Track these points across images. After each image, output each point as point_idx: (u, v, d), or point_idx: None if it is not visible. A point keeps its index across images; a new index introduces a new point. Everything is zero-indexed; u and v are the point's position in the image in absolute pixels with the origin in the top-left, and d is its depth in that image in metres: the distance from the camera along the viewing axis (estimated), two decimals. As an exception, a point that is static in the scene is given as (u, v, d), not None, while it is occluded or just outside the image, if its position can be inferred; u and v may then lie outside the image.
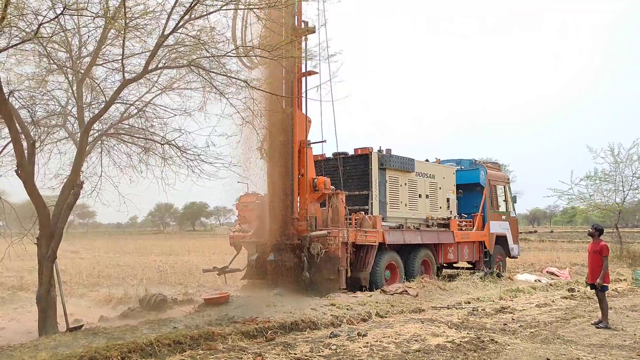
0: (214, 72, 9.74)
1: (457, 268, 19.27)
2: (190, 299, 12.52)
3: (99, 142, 10.37)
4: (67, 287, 17.11)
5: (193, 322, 9.01)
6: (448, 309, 11.64)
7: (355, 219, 13.47)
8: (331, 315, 10.17)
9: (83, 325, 8.59)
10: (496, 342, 8.57)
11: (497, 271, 15.90)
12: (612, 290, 14.43)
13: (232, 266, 14.49)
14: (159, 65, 9.17)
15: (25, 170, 7.94)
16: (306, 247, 12.48)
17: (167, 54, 9.31)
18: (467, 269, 19.03)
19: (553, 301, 12.79)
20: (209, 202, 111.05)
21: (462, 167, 18.39)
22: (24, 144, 8.19)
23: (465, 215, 17.70)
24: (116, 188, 10.79)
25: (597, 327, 9.86)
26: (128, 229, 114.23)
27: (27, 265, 20.54)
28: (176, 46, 9.21)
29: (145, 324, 8.79)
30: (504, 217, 19.16)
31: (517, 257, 20.62)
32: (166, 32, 8.56)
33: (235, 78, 10.00)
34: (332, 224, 13.12)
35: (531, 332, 9.38)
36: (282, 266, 12.76)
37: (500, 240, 18.74)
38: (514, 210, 20.27)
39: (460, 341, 8.56)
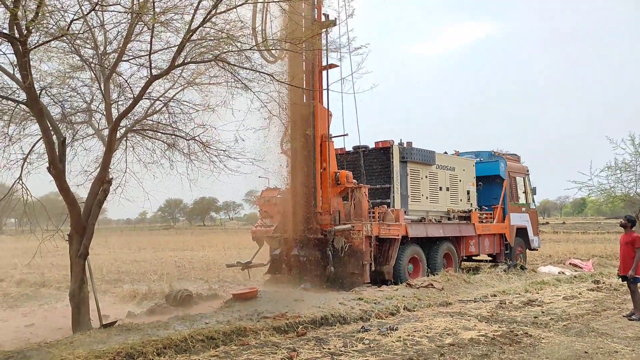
0: (239, 67, 9.71)
1: (477, 261, 19.17)
2: (215, 294, 12.49)
3: (125, 138, 10.34)
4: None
5: (224, 317, 8.98)
6: (475, 302, 11.57)
7: (378, 213, 13.40)
8: (360, 309, 10.12)
9: (116, 321, 8.59)
10: (530, 335, 8.50)
11: (521, 263, 15.78)
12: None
13: (255, 261, 14.45)
14: (185, 60, 9.12)
15: (56, 168, 7.92)
16: (330, 241, 12.44)
17: (193, 49, 9.27)
18: (486, 261, 18.92)
19: (580, 293, 12.67)
20: (218, 197, 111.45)
21: (481, 159, 18.25)
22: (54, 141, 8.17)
23: (486, 208, 17.58)
24: (140, 184, 10.82)
25: (630, 320, 9.76)
26: (138, 224, 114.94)
27: (47, 262, 20.66)
28: (201, 41, 9.15)
29: (177, 319, 8.76)
30: (523, 209, 19.02)
31: (537, 249, 20.49)
32: (193, 26, 8.50)
33: (261, 72, 9.94)
34: (355, 217, 13.05)
35: (564, 325, 9.29)
36: (306, 261, 12.72)
37: (521, 232, 18.61)
38: (534, 202, 20.12)
39: (494, 335, 8.48)
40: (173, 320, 8.72)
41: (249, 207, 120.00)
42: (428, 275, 14.02)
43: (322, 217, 12.89)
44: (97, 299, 8.75)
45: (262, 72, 9.99)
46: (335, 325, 9.39)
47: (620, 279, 10.64)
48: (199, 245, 41.66)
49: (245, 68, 10.14)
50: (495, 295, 12.31)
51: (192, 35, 8.45)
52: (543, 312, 10.47)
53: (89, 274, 8.65)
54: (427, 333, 8.70)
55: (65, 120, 9.31)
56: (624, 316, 10.05)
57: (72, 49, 8.66)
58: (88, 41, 9.12)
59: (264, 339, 8.29)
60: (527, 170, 19.69)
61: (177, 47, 8.69)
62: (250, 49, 9.53)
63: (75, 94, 9.80)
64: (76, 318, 8.23)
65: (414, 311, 10.61)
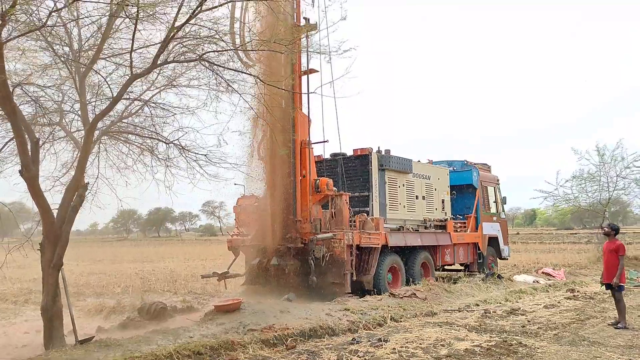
0: (224, 67, 9.30)
1: (448, 270, 19.10)
2: (190, 306, 11.95)
3: (98, 141, 9.75)
4: (37, 297, 16.26)
5: (208, 331, 8.49)
6: (460, 311, 11.40)
7: (359, 221, 13.12)
8: (347, 320, 9.79)
9: (94, 337, 7.96)
10: (525, 345, 8.35)
11: (498, 273, 15.77)
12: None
13: (231, 271, 13.90)
14: (167, 59, 8.66)
15: (29, 171, 7.32)
16: (311, 250, 12.07)
17: (174, 48, 8.82)
18: (457, 271, 18.86)
19: (559, 302, 12.68)
20: (174, 208, 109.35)
21: (454, 168, 18.25)
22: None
23: (460, 217, 17.55)
24: (113, 190, 10.25)
25: (616, 328, 9.73)
26: (89, 236, 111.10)
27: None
28: (184, 39, 8.70)
29: (158, 333, 8.22)
30: (495, 218, 19.12)
31: (507, 259, 20.62)
32: (179, 23, 8.06)
33: (246, 73, 9.56)
34: (335, 226, 12.72)
35: (555, 335, 9.19)
36: (285, 271, 12.29)
37: (492, 241, 18.67)
38: (504, 211, 20.27)
39: (488, 345, 8.30)
40: (154, 335, 8.17)
41: (206, 218, 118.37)
42: (408, 285, 13.82)
43: (302, 225, 12.52)
44: (72, 313, 8.11)
45: (247, 74, 9.62)
46: (324, 338, 9.00)
47: (603, 287, 10.64)
48: (158, 256, 40.49)
49: (230, 69, 9.74)
50: (477, 305, 12.18)
51: (178, 31, 8.01)
52: (529, 321, 10.37)
53: (64, 285, 8.01)
54: (420, 344, 8.45)
55: (35, 121, 8.66)
56: (609, 324, 10.03)
57: (47, 44, 8.06)
58: (62, 37, 8.55)
59: (253, 353, 7.85)
60: (498, 180, 19.84)
61: (160, 45, 8.26)
62: (236, 49, 9.15)
63: (44, 94, 9.13)
64: (49, 334, 7.58)
65: (401, 321, 10.34)
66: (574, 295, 13.53)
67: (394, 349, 8.15)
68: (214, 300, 14.02)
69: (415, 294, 11.91)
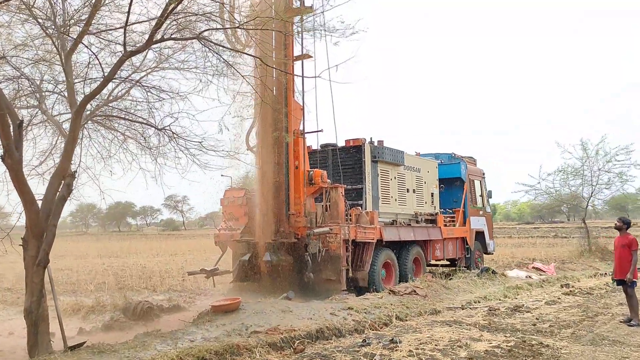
0: (223, 47, 8.57)
1: (433, 265, 18.69)
2: (178, 305, 11.17)
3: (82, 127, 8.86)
4: (13, 295, 15.18)
5: (209, 333, 7.76)
6: (463, 309, 10.94)
7: (354, 215, 12.53)
8: (352, 320, 9.18)
9: (85, 342, 7.12)
10: (547, 345, 7.91)
11: (492, 268, 15.42)
12: (605, 285, 14.29)
13: (214, 267, 13.13)
14: (164, 37, 7.86)
15: (12, 157, 6.45)
16: (305, 245, 11.42)
17: (170, 25, 8.02)
18: (443, 266, 18.46)
19: (559, 298, 12.38)
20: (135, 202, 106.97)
21: (442, 161, 17.84)
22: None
23: (450, 211, 17.16)
24: (96, 182, 9.40)
25: (630, 325, 9.41)
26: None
27: None
28: (179, 16, 7.92)
29: (155, 337, 7.46)
30: (481, 212, 18.82)
31: (492, 253, 20.39)
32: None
33: (248, 54, 8.86)
34: (330, 220, 12.11)
35: (572, 333, 8.80)
36: (277, 267, 11.60)
37: (478, 236, 18.36)
38: (489, 205, 20.01)
39: (508, 346, 7.84)
40: (151, 339, 7.40)
41: (168, 212, 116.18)
42: (400, 281, 13.34)
43: (295, 219, 11.84)
44: (60, 316, 7.29)
45: (249, 54, 8.92)
46: (331, 339, 8.40)
47: (614, 283, 10.33)
48: (124, 252, 39.09)
49: (230, 49, 9.03)
50: (478, 302, 11.77)
51: (178, 4, 7.25)
52: (537, 319, 9.98)
53: (51, 285, 7.17)
54: (436, 345, 7.92)
55: (14, 101, 7.76)
56: (621, 322, 9.71)
57: (30, 14, 7.17)
58: (45, 9, 7.66)
59: (260, 358, 7.18)
60: (483, 174, 19.55)
61: (156, 20, 7.46)
62: (238, 27, 8.41)
63: (26, 72, 8.23)
64: (34, 339, 6.73)
65: (407, 320, 9.82)
66: (570, 291, 13.26)
67: (410, 351, 7.60)
68: (199, 299, 13.31)
69: (415, 291, 11.41)
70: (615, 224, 10.01)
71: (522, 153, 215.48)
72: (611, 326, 9.44)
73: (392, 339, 8.32)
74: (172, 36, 8.02)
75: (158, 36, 7.71)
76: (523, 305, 11.30)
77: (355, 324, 9.06)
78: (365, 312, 9.70)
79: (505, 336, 8.58)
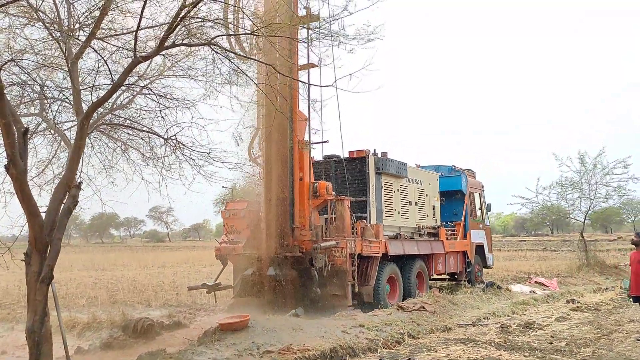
0: (235, 54, 8.27)
1: (434, 279, 18.39)
2: (179, 322, 10.70)
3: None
4: (3, 311, 14.57)
5: (220, 354, 7.36)
6: (474, 326, 10.65)
7: (359, 228, 12.20)
8: (365, 338, 8.84)
9: (91, 365, 6.71)
10: (572, 365, 7.64)
11: (497, 283, 15.15)
12: (610, 300, 14.10)
13: (213, 282, 12.71)
14: (175, 42, 7.52)
15: (17, 166, 6.05)
16: (311, 259, 11.05)
17: (181, 30, 7.70)
18: (443, 280, 18.15)
19: (567, 314, 12.15)
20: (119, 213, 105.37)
21: (442, 174, 17.62)
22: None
23: (451, 224, 16.90)
24: (97, 194, 8.97)
25: (648, 343, 9.18)
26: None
27: None
28: (196, 20, 7.61)
29: (164, 358, 7.04)
30: (480, 225, 18.60)
31: (491, 267, 20.15)
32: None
33: (260, 62, 8.54)
34: (336, 233, 11.77)
35: (593, 352, 8.52)
36: (281, 282, 11.21)
37: (478, 249, 18.11)
38: (488, 218, 19.81)
39: (531, 366, 7.55)
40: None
41: (152, 224, 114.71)
42: (404, 296, 13.04)
43: (300, 232, 11.48)
44: (64, 336, 6.84)
45: (261, 62, 8.59)
46: (345, 359, 8.05)
47: (630, 299, 10.11)
48: (110, 264, 38.27)
49: (242, 56, 8.74)
50: (487, 318, 11.49)
51: (194, 7, 6.94)
52: (552, 337, 9.72)
53: (55, 302, 6.74)
54: (457, 366, 7.62)
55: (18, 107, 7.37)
56: (638, 340, 9.47)
57: (37, 16, 6.81)
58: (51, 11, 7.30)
59: (275, 380, 6.81)
60: (482, 186, 19.36)
61: (168, 25, 7.14)
62: (251, 33, 8.12)
63: (27, 77, 7.83)
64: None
65: (419, 338, 9.51)
66: (577, 307, 13.04)
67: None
68: (199, 314, 12.86)
69: (424, 307, 11.09)
70: (633, 239, 9.81)
71: (522, 153, 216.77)
72: (629, 344, 9.18)
73: (410, 358, 8.02)
74: (183, 42, 7.72)
75: (169, 42, 7.41)
76: (534, 322, 11.02)
77: (368, 342, 8.73)
78: (376, 330, 9.36)
79: (524, 355, 8.31)
